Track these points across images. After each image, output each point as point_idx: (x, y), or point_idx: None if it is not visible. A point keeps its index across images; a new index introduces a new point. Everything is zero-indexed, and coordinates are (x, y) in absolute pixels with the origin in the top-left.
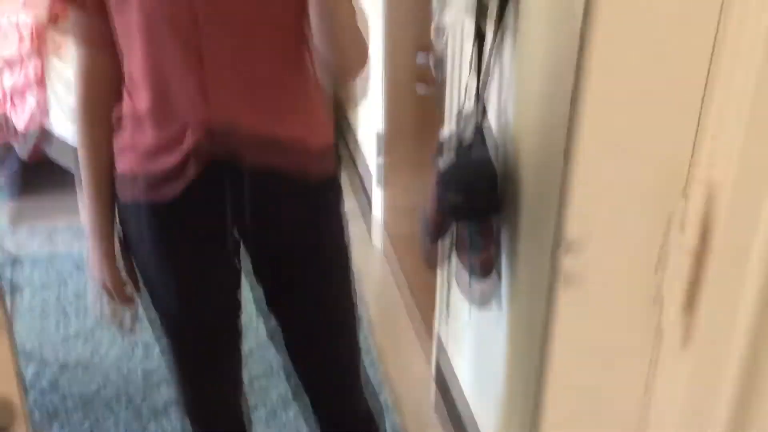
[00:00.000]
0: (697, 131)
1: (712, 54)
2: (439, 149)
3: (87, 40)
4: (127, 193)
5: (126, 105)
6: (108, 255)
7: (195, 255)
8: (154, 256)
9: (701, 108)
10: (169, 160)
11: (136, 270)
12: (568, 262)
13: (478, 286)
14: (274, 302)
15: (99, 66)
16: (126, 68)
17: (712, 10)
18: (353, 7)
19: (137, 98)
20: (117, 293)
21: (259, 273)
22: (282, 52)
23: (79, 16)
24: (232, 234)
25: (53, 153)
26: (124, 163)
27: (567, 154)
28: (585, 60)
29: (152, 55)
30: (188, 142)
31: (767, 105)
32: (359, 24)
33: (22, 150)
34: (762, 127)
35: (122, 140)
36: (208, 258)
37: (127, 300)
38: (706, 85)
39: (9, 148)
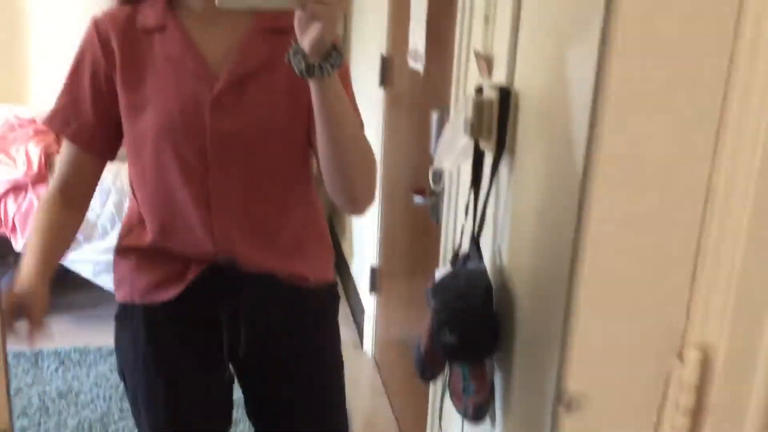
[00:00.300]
0: (690, 296)
1: (702, 225)
2: (433, 288)
3: (81, 141)
4: (124, 296)
5: (133, 237)
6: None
7: (187, 357)
8: (146, 358)
9: (693, 275)
10: (168, 292)
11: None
12: (567, 420)
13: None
14: (261, 410)
15: (86, 162)
16: (137, 205)
17: (702, 170)
18: (359, 125)
19: (144, 232)
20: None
21: (247, 380)
22: (288, 191)
23: (73, 149)
24: (225, 338)
25: None
26: (124, 291)
27: (567, 311)
28: (584, 218)
29: (162, 192)
30: (189, 277)
31: (755, 274)
32: (368, 154)
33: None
34: (750, 294)
35: (123, 271)
36: (201, 362)
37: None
38: (697, 251)
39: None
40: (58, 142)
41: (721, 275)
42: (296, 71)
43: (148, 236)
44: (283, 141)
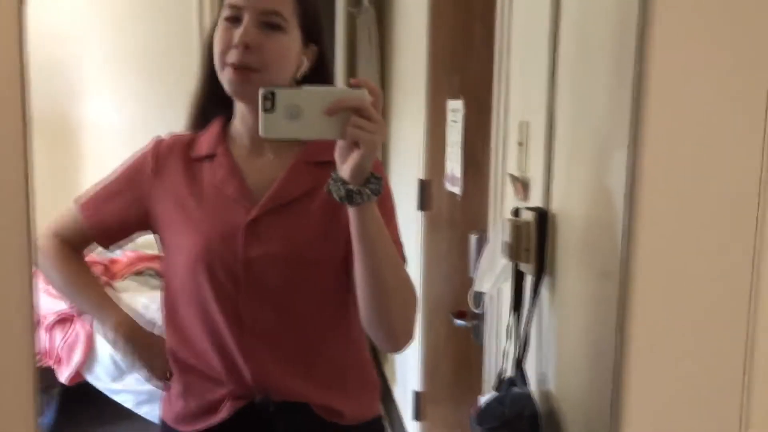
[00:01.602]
0: (741, 424)
1: (746, 355)
2: (478, 414)
3: (92, 228)
4: (162, 416)
5: (179, 363)
6: (119, 311)
7: None
8: None
9: (742, 402)
10: (198, 425)
11: None
12: None
13: None
14: None
15: (85, 239)
16: (179, 334)
17: (743, 285)
18: (399, 259)
19: (182, 364)
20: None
21: None
22: (324, 321)
23: (82, 226)
24: None
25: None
26: (162, 411)
27: None
28: (625, 346)
29: (198, 316)
30: (222, 413)
31: None
32: (407, 289)
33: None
34: None
35: (168, 390)
36: None
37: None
38: (744, 379)
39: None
40: (106, 273)
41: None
42: (336, 198)
43: (186, 360)
44: (317, 270)
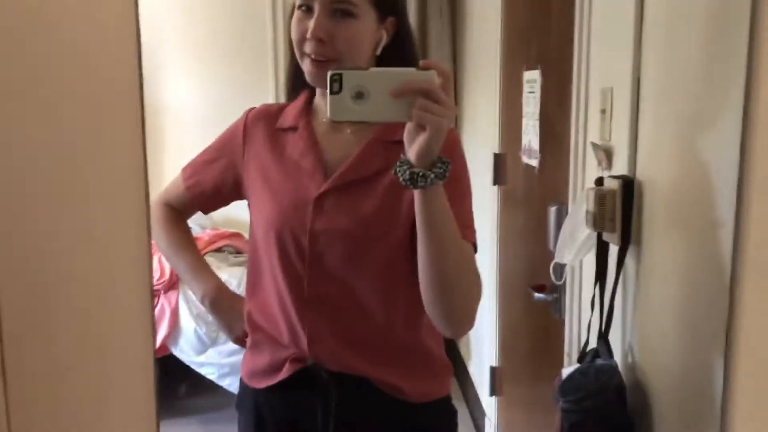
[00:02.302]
0: None
1: None
2: (561, 386)
3: (193, 193)
4: (242, 374)
5: (252, 324)
6: (212, 275)
7: None
8: None
9: None
10: (265, 381)
11: None
12: None
13: None
14: None
15: (187, 203)
16: (257, 297)
17: None
18: (465, 245)
19: (255, 325)
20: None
21: None
22: (388, 298)
23: (184, 191)
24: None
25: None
26: (242, 369)
27: (725, 409)
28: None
29: (270, 285)
30: (282, 374)
31: None
32: (470, 276)
33: None
34: None
35: (243, 358)
36: None
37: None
38: None
39: None
40: None
41: None
42: (401, 181)
43: (258, 321)
44: (380, 248)
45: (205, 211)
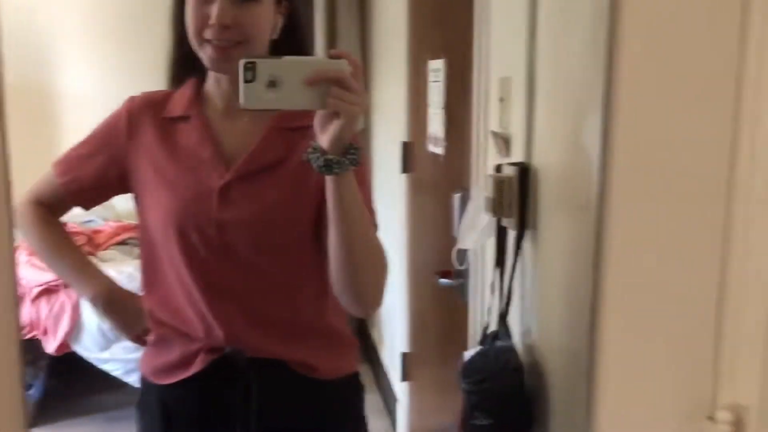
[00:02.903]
0: (716, 357)
1: (722, 285)
2: (463, 368)
3: (69, 190)
4: (143, 371)
5: (156, 320)
6: (99, 274)
7: None
8: None
9: (718, 335)
10: (177, 375)
11: None
12: None
13: None
14: None
15: (63, 201)
16: (156, 292)
17: (716, 230)
18: (372, 226)
19: (159, 322)
20: (123, 297)
21: None
22: (295, 283)
23: (60, 188)
24: (238, 425)
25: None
26: (142, 367)
27: (592, 385)
28: (600, 288)
29: (171, 278)
30: (197, 365)
31: None
32: (379, 255)
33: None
34: None
35: (145, 355)
36: None
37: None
38: (720, 312)
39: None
40: (89, 243)
41: (746, 334)
42: (315, 167)
43: (163, 318)
44: (287, 234)
45: (86, 207)
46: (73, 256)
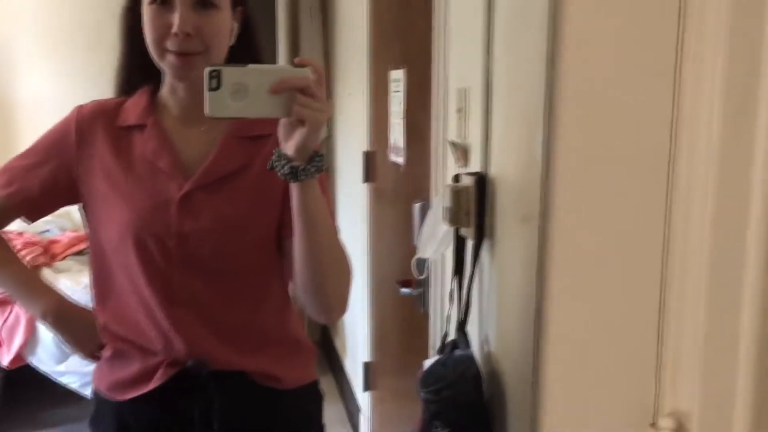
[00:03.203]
0: (658, 364)
1: (662, 291)
2: (422, 378)
3: (14, 202)
4: (96, 386)
5: (107, 331)
6: (47, 289)
7: None
8: None
9: (659, 342)
10: (137, 390)
11: None
12: None
13: None
14: None
15: (5, 213)
16: (111, 307)
17: (656, 234)
18: (335, 231)
19: (115, 336)
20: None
21: None
22: (256, 293)
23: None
24: None
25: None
26: (95, 382)
27: (536, 391)
28: (545, 297)
29: (128, 291)
30: (158, 379)
31: (721, 337)
32: (343, 261)
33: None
34: (718, 358)
35: (99, 363)
36: None
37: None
38: (660, 318)
39: None
40: (45, 254)
41: (686, 341)
42: (280, 175)
43: (119, 332)
44: (248, 244)
45: (32, 219)
46: (18, 270)
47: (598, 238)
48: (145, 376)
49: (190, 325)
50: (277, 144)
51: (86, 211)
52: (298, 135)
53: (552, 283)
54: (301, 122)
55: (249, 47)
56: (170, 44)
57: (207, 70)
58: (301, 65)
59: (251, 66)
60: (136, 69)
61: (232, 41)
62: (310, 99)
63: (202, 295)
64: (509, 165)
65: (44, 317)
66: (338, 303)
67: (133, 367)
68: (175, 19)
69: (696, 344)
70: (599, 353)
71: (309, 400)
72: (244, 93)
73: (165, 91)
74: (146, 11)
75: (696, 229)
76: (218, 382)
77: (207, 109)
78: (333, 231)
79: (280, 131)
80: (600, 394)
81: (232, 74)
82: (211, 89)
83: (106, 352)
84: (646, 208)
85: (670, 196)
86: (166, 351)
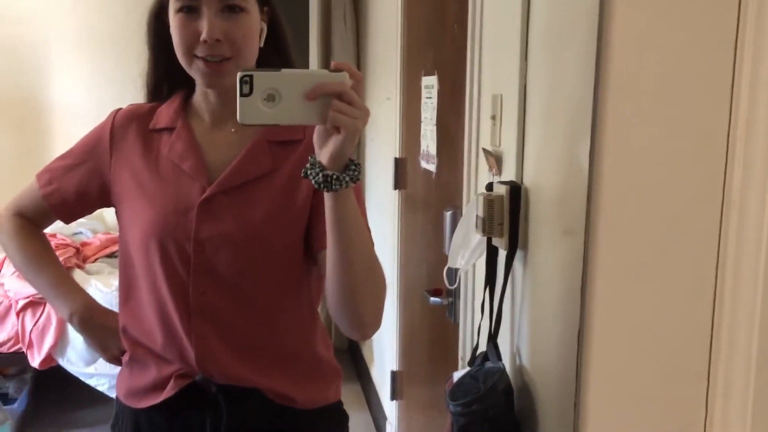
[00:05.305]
0: (708, 388)
1: (713, 317)
2: (451, 390)
3: (51, 202)
4: (117, 393)
5: (126, 336)
6: (77, 290)
7: None
8: None
9: (710, 364)
10: (149, 400)
11: None
12: None
13: None
14: None
15: (45, 213)
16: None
17: (707, 275)
18: (371, 244)
19: (132, 341)
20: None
21: None
22: (277, 306)
23: (41, 200)
24: None
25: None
26: (117, 389)
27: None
28: (587, 322)
29: (150, 296)
30: (168, 391)
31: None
32: (379, 275)
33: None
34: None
35: (122, 367)
36: None
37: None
38: (709, 352)
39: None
40: (77, 256)
41: (738, 363)
42: (314, 183)
43: (136, 337)
44: (271, 254)
45: (67, 221)
46: (53, 270)
47: (647, 253)
48: (159, 385)
49: (204, 337)
50: (308, 150)
51: (117, 215)
52: (334, 142)
53: (596, 300)
54: (336, 129)
55: (278, 48)
56: (200, 51)
57: (239, 75)
58: (338, 70)
59: (285, 71)
60: (164, 76)
61: (261, 43)
62: (347, 105)
63: (220, 307)
64: (548, 174)
65: (70, 319)
66: (372, 319)
67: (148, 376)
68: (204, 25)
69: (749, 367)
70: (646, 374)
71: (330, 422)
72: (277, 99)
73: (197, 96)
74: (173, 20)
75: (751, 246)
76: (229, 397)
77: (239, 116)
78: (369, 244)
79: (315, 138)
80: (646, 418)
81: (264, 79)
82: (242, 95)
83: (125, 357)
84: (699, 222)
85: (726, 210)
86: (179, 361)
